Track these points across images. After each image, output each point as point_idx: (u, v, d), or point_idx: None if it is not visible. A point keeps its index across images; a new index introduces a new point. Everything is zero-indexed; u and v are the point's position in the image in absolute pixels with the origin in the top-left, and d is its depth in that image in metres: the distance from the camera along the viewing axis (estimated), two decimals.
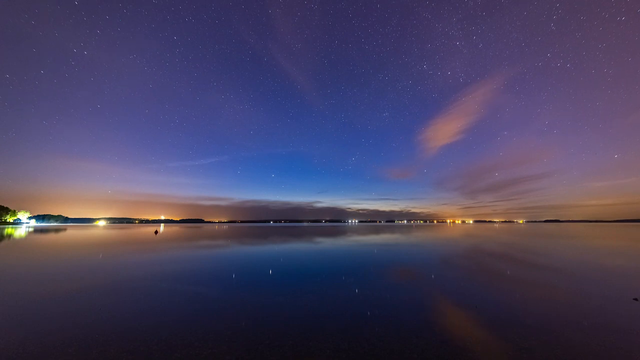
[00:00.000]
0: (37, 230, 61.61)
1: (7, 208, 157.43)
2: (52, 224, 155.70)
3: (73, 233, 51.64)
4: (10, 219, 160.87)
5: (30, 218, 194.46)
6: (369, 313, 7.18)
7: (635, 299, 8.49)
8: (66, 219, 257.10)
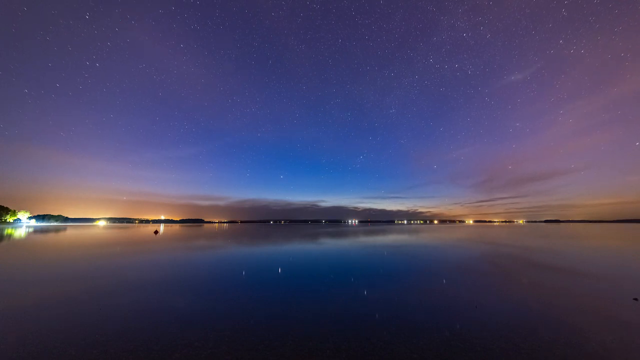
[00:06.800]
0: (37, 230, 61.61)
1: (7, 208, 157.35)
2: (52, 224, 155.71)
3: (73, 233, 51.64)
4: (10, 219, 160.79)
5: (30, 218, 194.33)
6: (369, 313, 7.18)
7: (635, 299, 8.50)
8: (66, 219, 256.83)
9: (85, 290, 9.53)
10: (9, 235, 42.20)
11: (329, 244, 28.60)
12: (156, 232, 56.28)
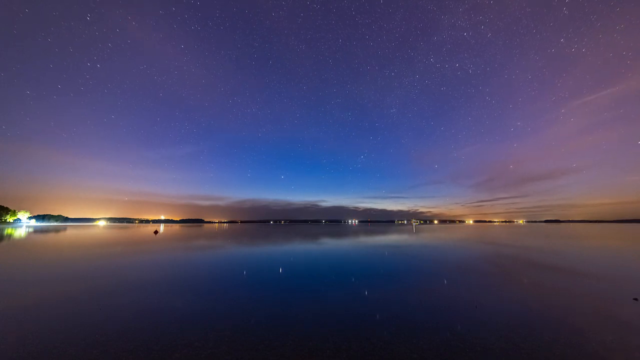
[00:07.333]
0: (37, 230, 61.60)
1: (7, 208, 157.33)
2: (52, 224, 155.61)
3: (73, 233, 51.63)
4: (10, 219, 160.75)
5: (30, 218, 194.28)
6: (369, 313, 7.18)
7: (635, 299, 8.50)
8: (66, 219, 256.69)
9: (85, 290, 9.53)
10: (9, 235, 42.20)
11: (328, 244, 28.60)
12: (156, 232, 56.28)
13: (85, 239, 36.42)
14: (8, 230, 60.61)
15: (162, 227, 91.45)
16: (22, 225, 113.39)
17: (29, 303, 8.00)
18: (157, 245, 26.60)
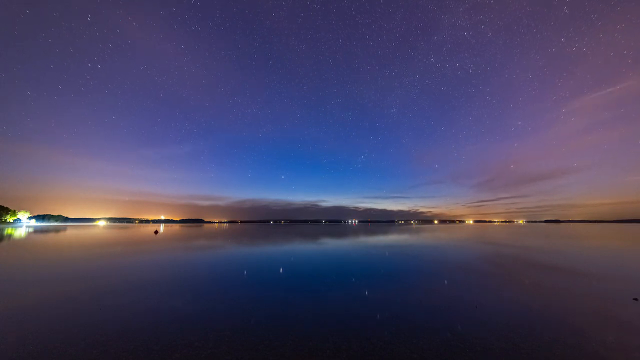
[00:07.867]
0: (37, 230, 61.56)
1: (7, 208, 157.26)
2: (52, 224, 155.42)
3: (73, 233, 51.61)
4: (10, 219, 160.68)
5: (30, 218, 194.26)
6: (369, 313, 7.18)
7: (635, 299, 8.50)
8: (66, 219, 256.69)
9: (85, 290, 9.53)
10: (9, 235, 42.18)
11: (328, 244, 28.60)
12: (156, 232, 56.31)
13: (85, 239, 36.40)
14: (8, 230, 60.57)
15: (162, 227, 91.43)
16: (22, 225, 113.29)
17: (29, 303, 8.00)
18: (157, 245, 26.59)
